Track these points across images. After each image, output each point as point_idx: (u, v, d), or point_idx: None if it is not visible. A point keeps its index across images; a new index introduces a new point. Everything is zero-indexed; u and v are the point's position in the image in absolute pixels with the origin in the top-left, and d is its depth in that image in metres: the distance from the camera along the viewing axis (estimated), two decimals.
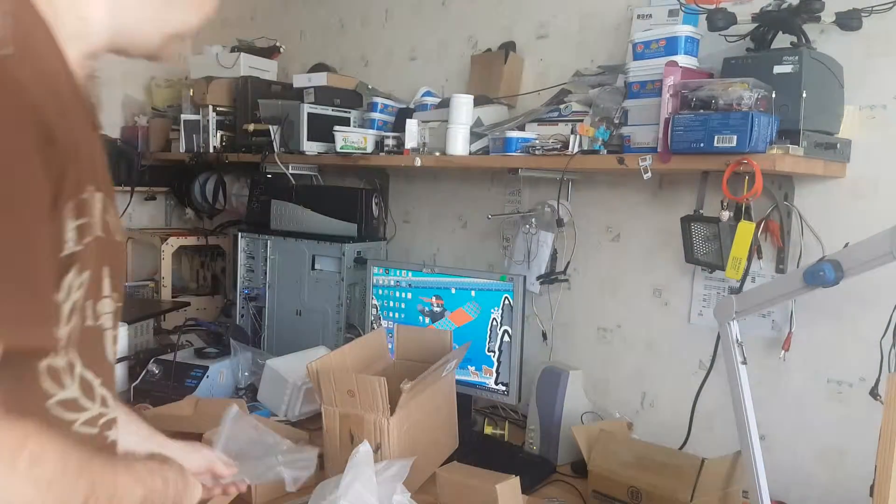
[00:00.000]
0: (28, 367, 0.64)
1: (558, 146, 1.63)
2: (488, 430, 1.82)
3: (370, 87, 2.32)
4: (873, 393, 1.31)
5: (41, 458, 0.56)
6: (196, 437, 1.35)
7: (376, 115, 2.17)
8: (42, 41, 0.64)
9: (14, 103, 0.56)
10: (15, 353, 0.56)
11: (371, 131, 2.10)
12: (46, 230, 0.59)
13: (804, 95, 1.29)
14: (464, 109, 1.81)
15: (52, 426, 0.64)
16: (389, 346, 1.72)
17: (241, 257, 2.39)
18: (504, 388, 1.79)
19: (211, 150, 2.47)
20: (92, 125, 0.72)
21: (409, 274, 1.95)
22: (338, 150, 2.06)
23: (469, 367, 1.83)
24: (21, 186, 0.56)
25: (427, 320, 1.91)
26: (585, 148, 1.59)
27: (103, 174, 0.71)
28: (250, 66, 2.53)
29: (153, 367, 1.95)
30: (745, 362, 1.21)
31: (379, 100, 2.19)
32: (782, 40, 1.41)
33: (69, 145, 0.62)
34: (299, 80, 2.26)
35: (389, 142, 2.02)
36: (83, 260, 0.66)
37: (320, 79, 2.22)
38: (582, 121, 1.63)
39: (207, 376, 1.93)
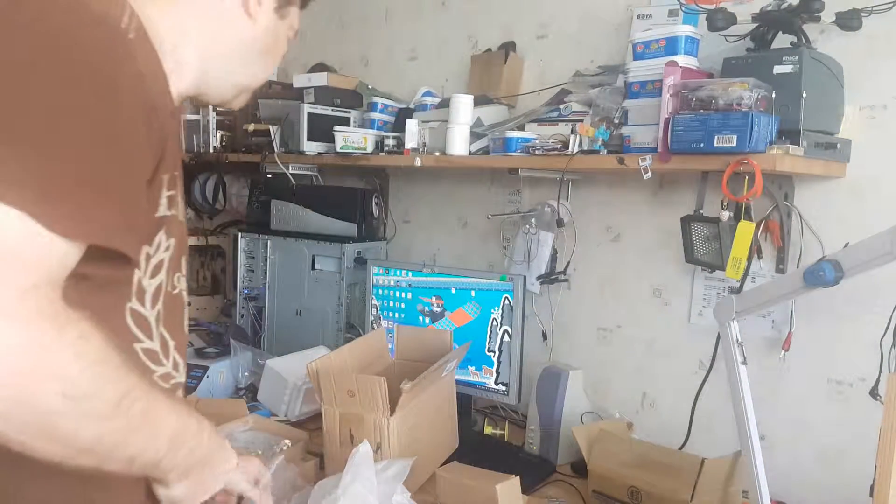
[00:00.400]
0: (120, 296, 0.74)
1: (558, 146, 1.63)
2: (488, 430, 1.82)
3: (370, 87, 2.32)
4: (873, 393, 1.31)
5: (89, 337, 0.60)
6: None
7: (376, 115, 2.17)
8: (151, 52, 0.75)
9: (133, 70, 0.68)
10: (105, 264, 0.66)
11: (371, 131, 2.10)
12: (143, 171, 0.69)
13: (804, 95, 1.29)
14: (464, 109, 1.81)
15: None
16: (389, 346, 1.72)
17: (241, 257, 2.39)
18: (504, 388, 1.79)
19: (211, 150, 2.47)
20: (179, 142, 0.85)
21: (409, 274, 1.95)
22: (338, 150, 2.06)
23: (469, 366, 1.83)
24: (128, 127, 0.66)
25: (427, 320, 1.91)
26: (585, 148, 1.59)
27: (179, 171, 0.83)
28: None
29: None
30: (745, 362, 1.21)
31: (379, 100, 2.19)
32: (782, 40, 1.41)
33: (164, 127, 0.72)
34: (299, 80, 2.26)
35: (389, 142, 2.02)
36: (170, 227, 0.78)
37: (320, 79, 2.22)
38: (582, 121, 1.63)
39: (207, 376, 1.93)
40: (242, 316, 2.40)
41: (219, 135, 2.47)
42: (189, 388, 1.87)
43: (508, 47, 2.01)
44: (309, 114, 2.16)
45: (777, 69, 1.31)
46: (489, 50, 2.07)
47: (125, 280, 0.75)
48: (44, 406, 0.57)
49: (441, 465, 1.41)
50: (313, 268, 2.22)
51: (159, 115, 0.71)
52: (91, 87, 0.63)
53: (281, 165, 2.26)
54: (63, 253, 0.60)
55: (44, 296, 0.58)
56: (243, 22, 0.87)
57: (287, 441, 1.56)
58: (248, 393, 1.98)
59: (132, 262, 0.72)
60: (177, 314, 0.85)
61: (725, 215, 1.44)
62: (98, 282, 0.70)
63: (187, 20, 0.83)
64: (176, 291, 0.84)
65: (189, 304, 0.93)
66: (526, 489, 1.35)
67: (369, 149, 2.07)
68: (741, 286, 1.48)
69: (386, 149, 2.03)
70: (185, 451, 0.74)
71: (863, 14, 1.37)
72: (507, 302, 1.77)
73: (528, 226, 1.91)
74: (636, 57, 1.48)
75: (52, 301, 0.58)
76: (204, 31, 0.85)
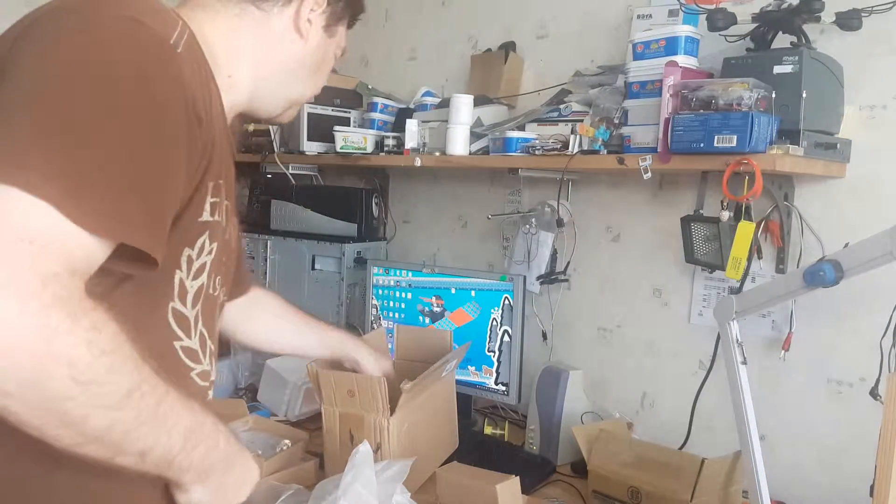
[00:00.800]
0: (163, 295, 0.78)
1: (558, 146, 1.63)
2: (488, 430, 1.82)
3: (370, 87, 2.32)
4: (873, 393, 1.31)
5: (102, 327, 0.61)
6: None
7: (376, 115, 2.17)
8: (204, 67, 0.79)
9: (176, 80, 0.70)
10: (143, 265, 0.68)
11: (371, 131, 2.10)
12: (178, 175, 0.71)
13: (804, 95, 1.29)
14: (464, 109, 1.81)
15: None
16: (389, 346, 1.72)
17: None
18: (504, 388, 1.79)
19: None
20: (230, 153, 0.90)
21: (409, 274, 1.95)
22: (338, 150, 2.06)
23: (469, 367, 1.83)
24: (165, 132, 0.68)
25: (427, 320, 1.91)
26: (585, 148, 1.59)
27: (233, 191, 0.89)
28: None
29: None
30: (745, 362, 1.21)
31: (379, 100, 2.19)
32: (782, 40, 1.41)
33: (212, 137, 0.76)
34: None
35: (389, 142, 2.02)
36: (213, 232, 0.82)
37: None
38: (582, 121, 1.63)
39: None
40: None
41: None
42: None
43: (508, 47, 2.01)
44: (309, 114, 2.16)
45: (777, 69, 1.31)
46: (489, 50, 2.07)
47: (167, 280, 0.78)
48: (55, 390, 0.58)
49: (441, 465, 1.41)
50: (313, 268, 2.22)
51: (206, 126, 0.74)
52: (130, 90, 0.66)
53: (281, 165, 2.26)
54: (88, 247, 0.62)
55: (64, 285, 0.59)
56: (295, 41, 0.92)
57: (287, 441, 1.57)
58: (248, 393, 1.98)
59: (173, 264, 0.77)
60: (214, 316, 0.90)
61: (725, 215, 1.44)
62: (141, 281, 0.73)
63: (242, 40, 0.88)
64: (215, 294, 0.88)
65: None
66: (526, 489, 1.35)
67: (369, 149, 2.07)
68: (741, 286, 1.48)
69: (386, 149, 2.03)
70: (200, 451, 0.73)
71: (863, 14, 1.37)
72: (507, 302, 1.77)
73: (528, 226, 1.91)
74: (636, 57, 1.48)
75: (70, 290, 0.59)
76: (257, 50, 0.90)
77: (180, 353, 0.82)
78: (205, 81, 0.77)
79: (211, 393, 0.92)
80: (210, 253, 0.83)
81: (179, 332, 0.81)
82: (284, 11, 0.91)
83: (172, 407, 0.69)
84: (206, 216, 0.79)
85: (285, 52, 0.93)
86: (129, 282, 0.73)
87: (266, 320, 1.37)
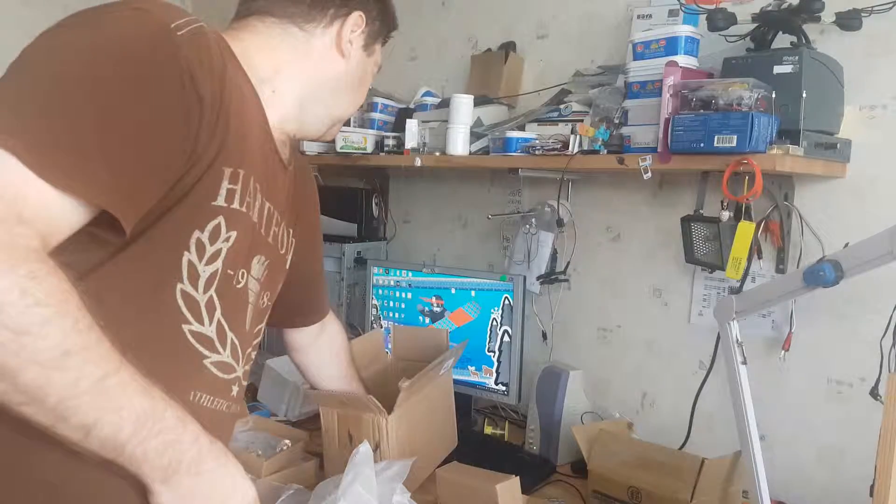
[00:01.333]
0: (168, 274, 0.78)
1: (558, 146, 1.63)
2: (488, 430, 1.82)
3: (370, 87, 2.32)
4: (873, 393, 1.31)
5: (42, 279, 0.61)
6: None
7: (376, 115, 2.17)
8: (228, 65, 0.80)
9: (169, 51, 0.71)
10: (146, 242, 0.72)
11: (371, 131, 2.10)
12: (166, 148, 0.71)
13: (804, 95, 1.29)
14: (464, 109, 1.81)
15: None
16: (386, 347, 1.72)
17: None
18: (504, 388, 1.79)
19: None
20: (279, 162, 0.95)
21: (409, 274, 1.95)
22: (338, 150, 2.06)
23: (469, 366, 1.83)
24: (154, 102, 0.69)
25: (427, 320, 1.91)
26: (585, 148, 1.59)
27: (275, 191, 0.93)
28: None
29: None
30: (745, 362, 1.21)
31: (379, 100, 2.19)
32: (782, 40, 1.41)
33: (224, 123, 0.76)
34: None
35: (389, 142, 2.02)
36: (231, 220, 0.82)
37: None
38: (582, 121, 1.63)
39: None
40: None
41: None
42: None
43: (508, 47, 2.01)
44: None
45: (777, 69, 1.31)
46: (489, 50, 2.07)
47: (173, 260, 0.78)
48: None
49: (441, 465, 1.41)
50: None
51: (212, 108, 0.75)
52: (113, 58, 0.68)
53: None
54: (48, 200, 0.63)
55: (8, 230, 0.60)
56: (337, 60, 0.97)
57: (287, 441, 1.57)
58: (248, 393, 1.98)
59: (181, 244, 0.77)
60: (239, 310, 0.90)
61: (725, 215, 1.44)
62: (141, 255, 0.75)
63: (284, 59, 0.93)
64: (240, 286, 0.88)
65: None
66: (526, 489, 1.35)
67: (369, 149, 2.07)
68: (741, 286, 1.48)
69: (386, 149, 2.03)
70: (157, 443, 0.70)
71: (863, 14, 1.37)
72: (507, 302, 1.77)
73: (528, 226, 1.91)
74: (636, 57, 1.48)
75: (13, 237, 0.60)
76: (301, 69, 0.94)
77: (190, 336, 0.82)
78: (222, 74, 0.78)
79: (237, 389, 0.93)
80: (227, 240, 0.83)
81: (188, 316, 0.81)
82: (327, 32, 0.95)
83: (123, 385, 0.67)
84: (220, 201, 0.80)
85: (328, 71, 0.97)
86: (126, 254, 0.74)
87: (323, 357, 1.38)
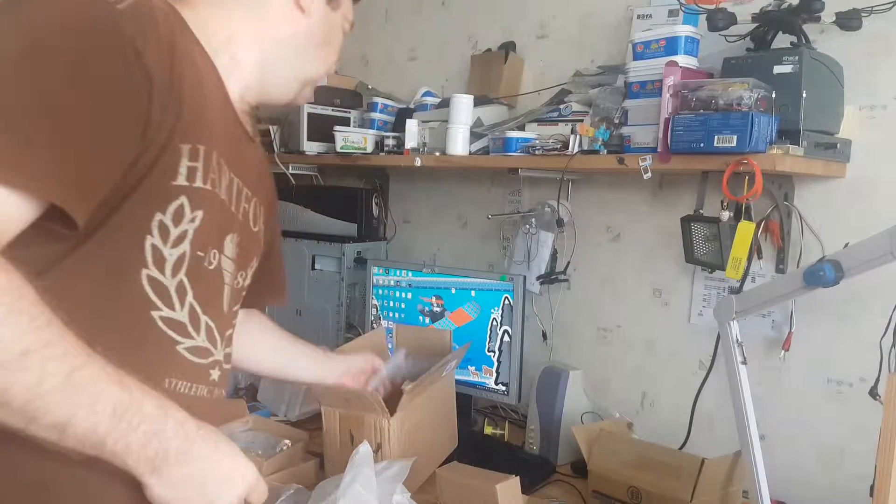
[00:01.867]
0: (132, 260, 0.75)
1: (558, 146, 1.63)
2: (488, 430, 1.82)
3: (370, 87, 2.32)
4: (873, 393, 1.31)
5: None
6: None
7: (376, 115, 2.17)
8: (176, 32, 0.76)
9: (107, 29, 0.68)
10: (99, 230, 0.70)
11: (371, 131, 2.10)
12: (112, 131, 0.68)
13: (804, 95, 1.29)
14: (464, 109, 1.81)
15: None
16: (389, 347, 1.72)
17: None
18: (504, 388, 1.79)
19: None
20: (244, 134, 0.91)
21: (409, 274, 1.95)
22: (338, 150, 2.06)
23: (469, 367, 1.83)
24: (94, 84, 0.66)
25: (427, 320, 1.91)
26: (585, 148, 1.59)
27: (242, 166, 0.88)
28: None
29: None
30: (745, 362, 1.21)
31: (379, 100, 2.19)
32: (782, 40, 1.41)
33: (177, 98, 0.73)
34: None
35: (389, 142, 2.02)
36: (196, 199, 0.78)
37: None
38: (582, 121, 1.63)
39: None
40: None
41: None
42: None
43: (508, 47, 2.01)
44: (309, 114, 2.16)
45: (777, 69, 1.31)
46: (489, 50, 2.07)
47: (136, 246, 0.75)
48: None
49: (441, 465, 1.41)
50: (313, 268, 2.22)
51: (162, 84, 0.71)
52: (43, 39, 0.64)
53: (281, 165, 2.25)
54: None
55: None
56: (296, 17, 0.91)
57: (287, 441, 1.57)
58: (248, 393, 1.98)
59: (142, 228, 0.74)
60: (214, 292, 0.86)
61: (725, 215, 1.44)
62: (101, 245, 0.72)
63: (240, 21, 0.87)
64: (213, 267, 0.84)
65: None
66: (526, 489, 1.35)
67: (369, 149, 2.07)
68: (741, 286, 1.48)
69: (386, 149, 2.02)
70: (139, 436, 0.68)
71: (863, 14, 1.37)
72: (507, 302, 1.77)
73: (528, 226, 1.91)
74: (636, 57, 1.48)
75: None
76: (258, 30, 0.88)
77: (160, 323, 0.78)
78: (171, 45, 0.74)
79: (217, 373, 0.88)
80: (193, 221, 0.79)
81: (157, 301, 0.78)
82: None
83: (93, 379, 0.65)
84: (181, 180, 0.76)
85: (288, 29, 0.91)
86: (88, 245, 0.71)
87: (257, 336, 1.26)
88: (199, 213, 0.79)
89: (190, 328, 0.82)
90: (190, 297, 0.81)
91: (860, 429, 1.44)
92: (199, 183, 0.78)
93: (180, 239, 0.78)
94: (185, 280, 0.80)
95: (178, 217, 0.77)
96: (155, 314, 0.78)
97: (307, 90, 0.99)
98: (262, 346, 1.26)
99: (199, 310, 0.83)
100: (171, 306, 0.79)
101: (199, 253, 0.81)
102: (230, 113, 0.87)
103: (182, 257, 0.79)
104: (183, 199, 0.77)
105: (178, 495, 0.72)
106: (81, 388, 0.64)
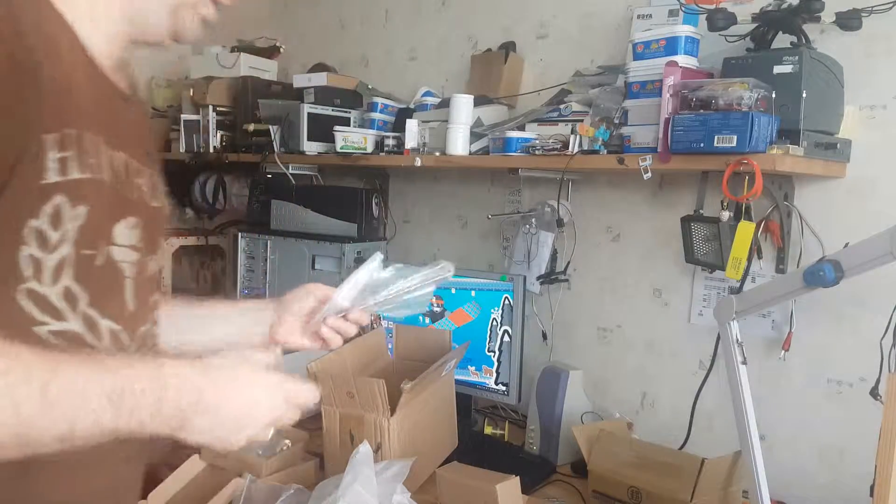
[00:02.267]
0: (5, 279, 0.67)
1: (558, 146, 1.63)
2: (488, 430, 1.82)
3: (370, 87, 2.32)
4: (873, 393, 1.31)
5: None
6: None
7: (376, 115, 2.17)
8: (39, 14, 0.68)
9: None
10: None
11: (371, 131, 2.10)
12: None
13: (804, 95, 1.29)
14: (464, 109, 1.81)
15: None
16: (389, 347, 1.72)
17: (241, 257, 2.39)
18: (504, 388, 1.79)
19: (211, 151, 2.47)
20: (117, 94, 0.79)
21: None
22: (338, 150, 2.06)
23: (469, 366, 1.83)
24: None
25: (427, 320, 1.91)
26: (585, 148, 1.59)
27: (125, 135, 0.77)
28: (250, 66, 2.53)
29: None
30: (745, 362, 1.21)
31: (379, 100, 2.19)
32: (782, 40, 1.41)
33: (42, 82, 0.65)
34: (299, 80, 2.26)
35: (389, 142, 2.02)
36: (76, 192, 0.69)
37: (320, 79, 2.22)
38: (582, 121, 1.63)
39: None
40: None
41: (219, 135, 2.47)
42: None
43: (508, 47, 2.01)
44: (309, 114, 2.16)
45: (777, 69, 1.31)
46: (489, 50, 2.07)
47: (5, 261, 0.67)
48: None
49: (441, 465, 1.41)
50: (313, 268, 2.21)
51: (7, 77, 0.62)
52: None
53: (281, 165, 2.26)
54: None
55: None
56: None
57: (287, 441, 1.57)
58: None
59: (12, 240, 0.66)
60: (112, 290, 0.77)
61: (725, 215, 1.44)
62: None
63: None
64: (103, 264, 0.75)
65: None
66: (526, 489, 1.35)
67: (369, 149, 2.07)
68: (741, 286, 1.48)
69: (386, 149, 2.03)
70: (149, 407, 0.65)
71: (863, 14, 1.37)
72: (507, 302, 1.77)
73: (528, 226, 1.91)
74: (636, 57, 1.48)
75: None
76: None
77: (52, 338, 0.71)
78: (14, 27, 0.64)
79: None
80: (76, 219, 0.70)
81: (42, 317, 0.70)
82: None
83: (71, 381, 0.61)
84: (52, 176, 0.67)
85: None
86: None
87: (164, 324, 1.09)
88: (83, 208, 0.70)
89: (89, 337, 0.74)
90: (83, 305, 0.73)
91: (860, 429, 1.44)
92: (75, 174, 0.69)
93: (61, 241, 0.70)
94: (75, 285, 0.71)
95: (56, 219, 0.68)
96: (41, 329, 0.70)
97: (187, 15, 0.82)
98: (173, 329, 1.05)
99: (96, 316, 0.74)
100: (59, 318, 0.71)
101: (85, 252, 0.72)
102: (97, 76, 0.75)
103: (62, 262, 0.70)
104: (59, 198, 0.68)
105: (213, 437, 0.71)
106: (63, 397, 0.60)
